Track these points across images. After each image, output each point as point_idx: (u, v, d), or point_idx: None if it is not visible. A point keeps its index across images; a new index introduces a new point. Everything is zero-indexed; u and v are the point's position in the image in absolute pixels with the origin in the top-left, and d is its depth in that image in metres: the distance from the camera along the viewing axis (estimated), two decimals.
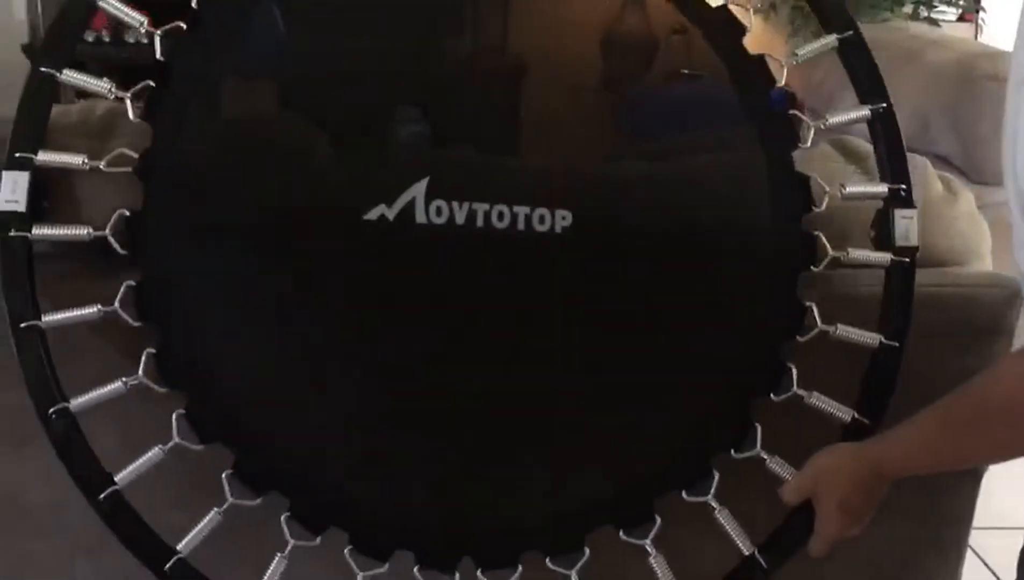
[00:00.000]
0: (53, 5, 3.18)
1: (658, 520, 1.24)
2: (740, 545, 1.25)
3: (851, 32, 1.32)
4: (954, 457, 1.16)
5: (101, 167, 1.19)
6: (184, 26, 1.20)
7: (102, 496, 1.17)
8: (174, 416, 1.18)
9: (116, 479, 1.18)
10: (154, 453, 1.19)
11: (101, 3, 1.21)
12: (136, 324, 1.18)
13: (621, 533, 1.24)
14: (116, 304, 1.17)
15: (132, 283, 1.18)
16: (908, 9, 3.38)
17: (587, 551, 1.24)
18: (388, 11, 1.28)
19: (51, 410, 1.17)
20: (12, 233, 1.16)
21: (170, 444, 1.18)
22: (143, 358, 1.18)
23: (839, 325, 1.26)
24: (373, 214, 1.21)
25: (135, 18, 1.21)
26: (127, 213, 1.18)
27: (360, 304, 1.25)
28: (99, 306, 1.18)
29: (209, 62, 1.21)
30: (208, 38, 1.20)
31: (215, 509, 1.19)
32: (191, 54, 1.20)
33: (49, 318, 1.18)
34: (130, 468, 1.18)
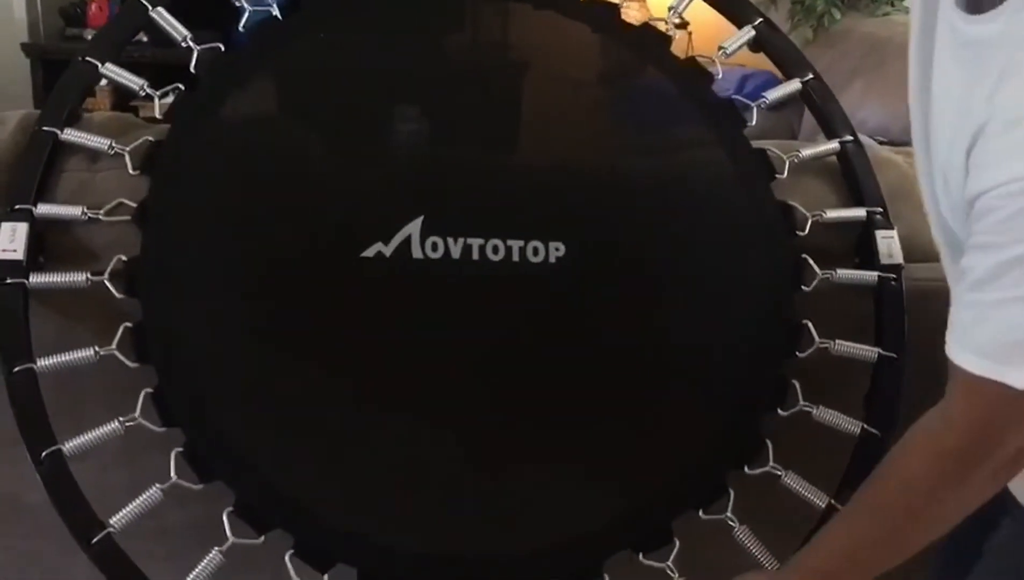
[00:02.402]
0: (53, 4, 3.27)
1: (677, 542, 1.21)
2: (763, 562, 1.20)
3: (811, 76, 1.41)
4: (879, 555, 1.00)
5: (101, 217, 1.22)
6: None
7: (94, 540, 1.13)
8: (172, 455, 1.16)
9: (111, 521, 1.14)
10: (152, 493, 1.15)
11: (103, 71, 1.27)
12: (133, 365, 1.17)
13: (640, 556, 1.20)
14: (114, 346, 1.17)
15: (130, 325, 1.18)
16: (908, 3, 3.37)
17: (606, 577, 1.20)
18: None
19: (43, 453, 1.14)
20: (9, 281, 1.17)
21: (168, 483, 1.15)
22: (140, 399, 1.17)
23: (837, 341, 1.28)
24: (370, 252, 1.23)
25: (135, 81, 1.28)
26: (124, 259, 1.20)
27: (360, 340, 1.24)
28: (95, 348, 1.17)
29: (205, 116, 1.26)
30: (204, 94, 1.26)
31: (215, 548, 1.14)
32: (188, 109, 1.25)
33: (44, 362, 1.17)
34: (126, 510, 1.14)
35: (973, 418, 0.88)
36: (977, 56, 0.87)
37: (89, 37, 3.11)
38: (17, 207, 1.20)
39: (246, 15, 1.30)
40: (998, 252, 0.82)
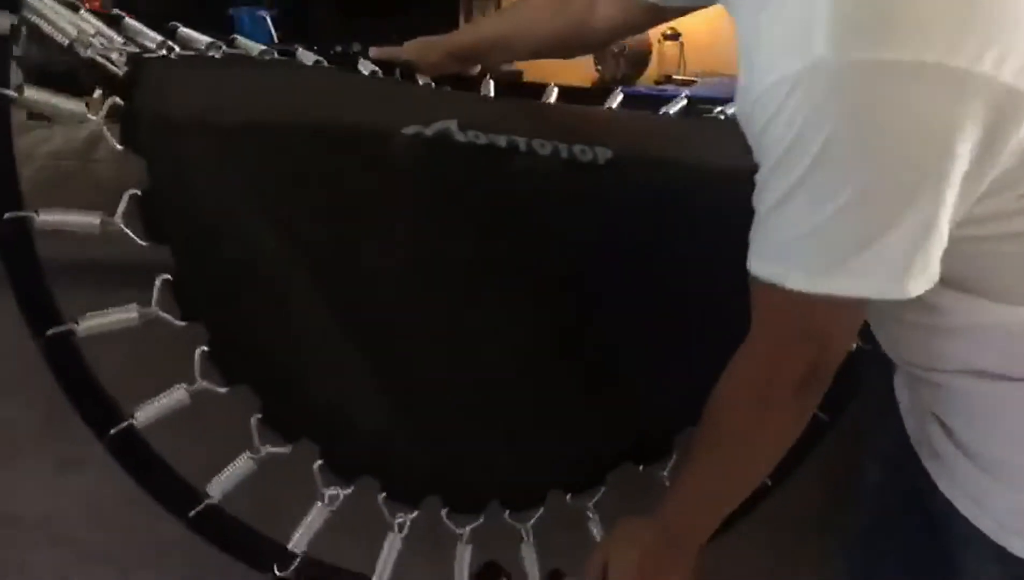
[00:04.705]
0: None
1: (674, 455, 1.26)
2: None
3: None
4: (722, 486, 1.03)
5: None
6: None
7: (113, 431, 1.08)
8: (197, 354, 1.08)
9: (136, 415, 1.09)
10: (177, 392, 1.09)
11: None
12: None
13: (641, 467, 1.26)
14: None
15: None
16: None
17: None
18: None
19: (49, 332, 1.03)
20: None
21: (196, 386, 1.09)
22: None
23: None
24: (410, 129, 1.06)
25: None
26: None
27: (395, 238, 1.11)
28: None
29: None
30: None
31: (246, 453, 1.11)
32: None
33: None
34: (151, 406, 1.09)
35: (765, 329, 0.88)
36: None
37: None
38: None
39: None
40: (766, 157, 0.81)
